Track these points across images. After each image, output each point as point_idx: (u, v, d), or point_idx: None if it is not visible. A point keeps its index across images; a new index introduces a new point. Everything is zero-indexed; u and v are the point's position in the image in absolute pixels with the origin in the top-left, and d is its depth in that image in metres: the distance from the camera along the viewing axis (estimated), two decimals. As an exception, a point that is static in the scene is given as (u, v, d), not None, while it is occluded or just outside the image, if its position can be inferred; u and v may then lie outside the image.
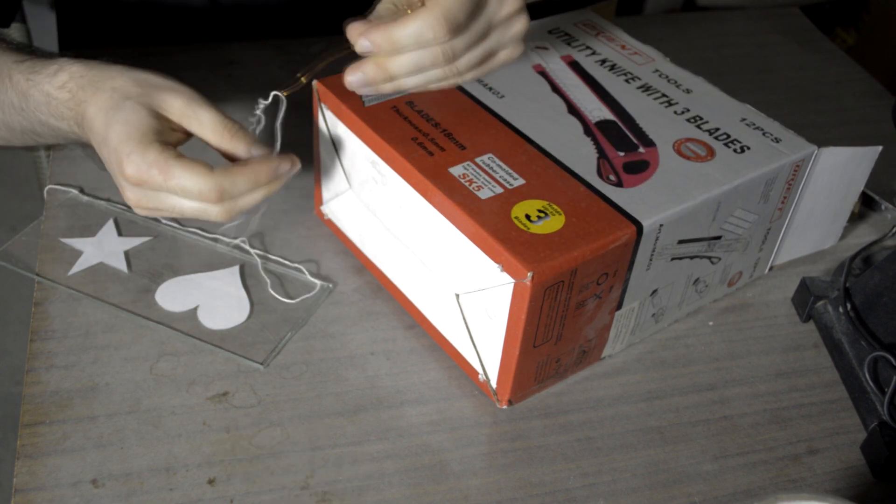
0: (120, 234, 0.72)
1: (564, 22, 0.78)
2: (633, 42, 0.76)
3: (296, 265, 0.70)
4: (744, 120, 0.68)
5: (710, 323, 0.70)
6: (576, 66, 0.72)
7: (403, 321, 0.67)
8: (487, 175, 0.60)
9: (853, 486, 0.59)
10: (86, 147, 0.65)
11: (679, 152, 0.64)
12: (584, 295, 0.58)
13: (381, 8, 0.59)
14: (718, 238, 0.65)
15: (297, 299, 0.68)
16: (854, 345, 0.66)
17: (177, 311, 0.66)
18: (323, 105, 0.68)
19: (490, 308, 0.58)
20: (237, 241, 0.71)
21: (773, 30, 1.10)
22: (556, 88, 0.70)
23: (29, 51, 0.64)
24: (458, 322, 0.62)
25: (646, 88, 0.70)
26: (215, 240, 0.72)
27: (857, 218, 0.80)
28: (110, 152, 0.56)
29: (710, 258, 0.66)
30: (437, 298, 0.64)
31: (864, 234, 0.79)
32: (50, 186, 0.75)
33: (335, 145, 0.69)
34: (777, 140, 0.66)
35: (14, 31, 0.97)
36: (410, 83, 0.60)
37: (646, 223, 0.58)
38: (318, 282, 0.69)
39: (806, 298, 0.70)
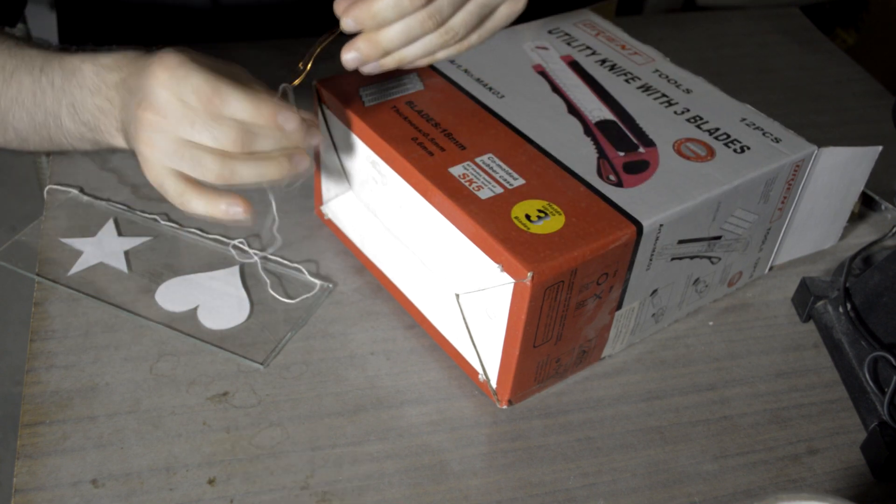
0: (120, 234, 0.72)
1: (564, 22, 0.79)
2: (633, 42, 0.76)
3: (296, 265, 0.70)
4: (744, 120, 0.68)
5: (710, 323, 0.70)
6: (576, 66, 0.73)
7: (403, 321, 0.67)
8: (487, 175, 0.60)
9: (853, 486, 0.59)
10: (95, 148, 0.65)
11: (679, 152, 0.64)
12: (584, 295, 0.58)
13: None
14: (718, 238, 0.65)
15: (297, 299, 0.68)
16: (854, 345, 0.66)
17: (177, 311, 0.66)
18: (323, 105, 0.68)
19: (490, 308, 0.58)
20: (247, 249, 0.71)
21: (773, 30, 1.10)
22: (556, 88, 0.70)
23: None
24: (458, 322, 0.62)
25: (646, 88, 0.70)
26: (215, 240, 0.72)
27: (857, 218, 0.80)
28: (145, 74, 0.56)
29: (710, 258, 0.66)
30: (437, 298, 0.64)
31: (864, 234, 0.79)
32: (50, 186, 0.76)
33: (335, 145, 0.69)
34: (777, 140, 0.66)
35: (14, 32, 0.97)
36: (410, 54, 0.59)
37: (646, 223, 0.58)
38: (318, 282, 0.69)
39: (806, 298, 0.70)
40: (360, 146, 0.65)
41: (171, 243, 0.72)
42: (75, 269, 0.69)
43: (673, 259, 0.62)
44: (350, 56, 0.58)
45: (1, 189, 1.85)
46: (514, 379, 0.59)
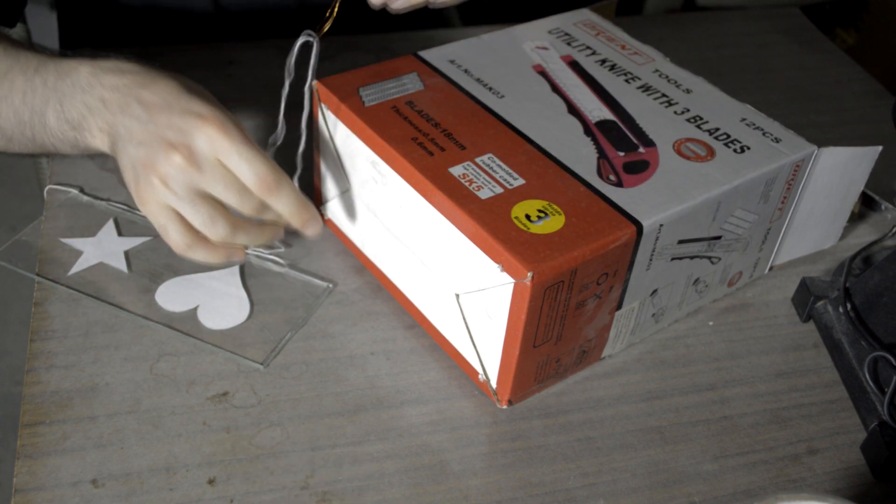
0: (120, 234, 0.72)
1: (564, 22, 0.79)
2: (633, 42, 0.76)
3: (296, 265, 0.70)
4: (744, 120, 0.68)
5: (710, 323, 0.70)
6: (576, 66, 0.73)
7: (403, 321, 0.67)
8: (487, 175, 0.60)
9: (853, 486, 0.59)
10: (82, 153, 0.65)
11: (679, 152, 0.64)
12: (584, 295, 0.58)
13: None
14: (718, 238, 0.65)
15: (297, 299, 0.68)
16: (854, 345, 0.66)
17: (177, 311, 0.66)
18: (323, 105, 0.68)
19: (490, 308, 0.58)
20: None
21: (773, 30, 1.10)
22: (556, 88, 0.70)
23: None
24: (458, 322, 0.62)
25: (646, 88, 0.70)
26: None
27: (857, 218, 0.80)
28: (187, 104, 0.57)
29: (710, 258, 0.66)
30: (437, 298, 0.64)
31: (864, 234, 0.79)
32: (50, 186, 0.76)
33: (335, 145, 0.69)
34: (777, 140, 0.66)
35: (14, 32, 0.97)
36: None
37: (646, 223, 0.58)
38: (318, 282, 0.69)
39: (806, 298, 0.70)
40: (360, 146, 0.65)
41: (171, 243, 0.72)
42: (75, 269, 0.69)
43: (673, 259, 0.62)
44: None
45: (1, 189, 1.85)
46: (514, 379, 0.59)
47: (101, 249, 0.70)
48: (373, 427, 0.60)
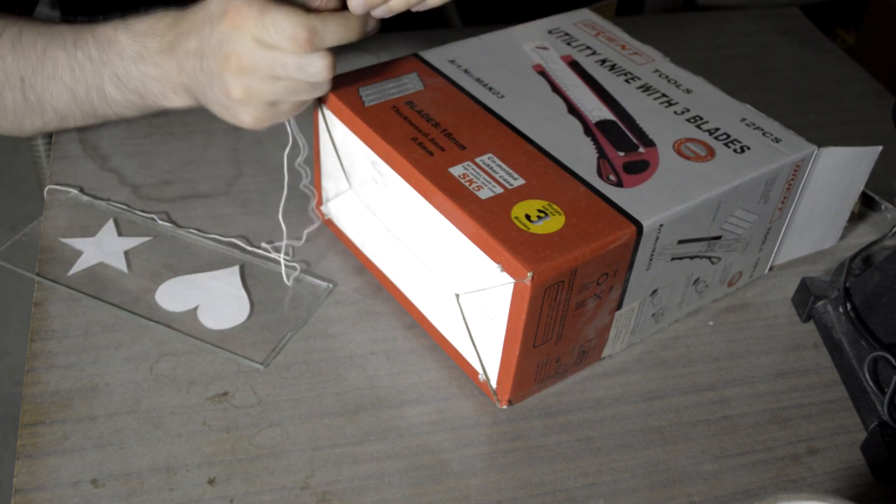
0: (120, 234, 0.72)
1: (564, 22, 0.79)
2: (633, 42, 0.76)
3: (296, 265, 0.70)
4: (744, 120, 0.68)
5: (710, 323, 0.70)
6: (576, 66, 0.72)
7: (403, 321, 0.67)
8: (487, 175, 0.60)
9: (853, 486, 0.59)
10: (142, 114, 0.67)
11: (679, 152, 0.64)
12: (584, 295, 0.58)
13: None
14: (718, 238, 0.65)
15: (297, 299, 0.68)
16: (854, 345, 0.66)
17: (177, 311, 0.66)
18: (323, 105, 0.68)
19: (490, 308, 0.58)
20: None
21: (773, 30, 1.10)
22: (556, 88, 0.70)
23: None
24: (458, 322, 0.62)
25: (646, 88, 0.70)
26: (215, 240, 0.72)
27: (857, 218, 0.80)
28: (216, 16, 0.57)
29: (710, 258, 0.66)
30: (437, 298, 0.64)
31: (864, 234, 0.79)
32: (50, 186, 0.76)
33: (335, 145, 0.69)
34: (777, 140, 0.66)
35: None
36: None
37: (646, 223, 0.58)
38: (318, 282, 0.69)
39: (806, 298, 0.70)
40: (360, 146, 0.65)
41: (171, 243, 0.72)
42: (75, 269, 0.69)
43: (673, 259, 0.62)
44: (356, 3, 0.59)
45: (1, 189, 1.85)
46: (514, 379, 0.59)
47: (101, 249, 0.70)
48: (373, 427, 0.60)
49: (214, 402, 0.61)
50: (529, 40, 0.75)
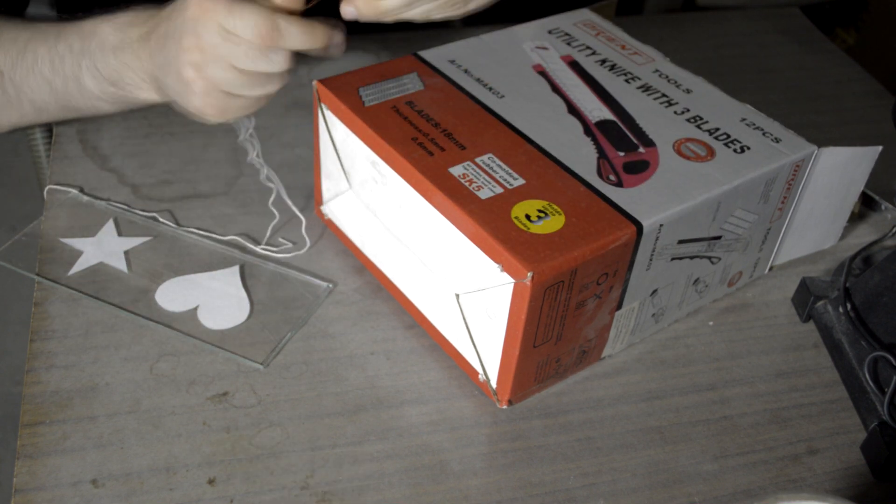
0: (120, 234, 0.72)
1: (564, 22, 0.79)
2: (633, 42, 0.76)
3: (296, 265, 0.70)
4: (744, 120, 0.68)
5: (710, 323, 0.70)
6: (576, 66, 0.72)
7: (403, 321, 0.67)
8: (487, 175, 0.60)
9: (853, 486, 0.59)
10: (126, 107, 0.67)
11: (679, 152, 0.64)
12: (584, 295, 0.58)
13: None
14: (718, 238, 0.65)
15: (297, 299, 0.68)
16: (854, 345, 0.66)
17: (177, 311, 0.66)
18: (323, 105, 0.68)
19: (490, 308, 0.58)
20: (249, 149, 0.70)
21: (773, 30, 1.10)
22: (556, 88, 0.70)
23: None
24: (458, 322, 0.62)
25: (646, 88, 0.70)
26: (215, 240, 0.72)
27: (857, 218, 0.80)
28: (189, 5, 0.57)
29: (710, 258, 0.66)
30: (437, 298, 0.64)
31: (864, 234, 0.79)
32: (50, 186, 0.75)
33: (335, 145, 0.69)
34: (777, 140, 0.66)
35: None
36: (407, 16, 0.60)
37: (646, 223, 0.58)
38: (318, 282, 0.69)
39: (806, 298, 0.70)
40: (360, 146, 0.65)
41: (171, 243, 0.72)
42: (75, 269, 0.69)
43: (673, 259, 0.62)
44: (348, 10, 0.59)
45: (1, 189, 1.85)
46: (514, 379, 0.59)
47: (101, 249, 0.70)
48: (373, 427, 0.60)
49: (214, 402, 0.61)
50: (529, 40, 0.75)
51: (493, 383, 0.61)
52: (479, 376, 0.61)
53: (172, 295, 0.67)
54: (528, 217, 0.57)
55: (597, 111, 0.67)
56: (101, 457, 0.57)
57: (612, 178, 0.61)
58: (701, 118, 0.67)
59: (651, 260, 0.60)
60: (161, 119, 0.84)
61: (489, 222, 0.56)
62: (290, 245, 0.72)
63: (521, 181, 0.60)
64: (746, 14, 1.14)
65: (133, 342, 0.64)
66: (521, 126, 0.65)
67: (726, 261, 0.68)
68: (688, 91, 0.70)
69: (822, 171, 0.67)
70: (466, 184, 0.59)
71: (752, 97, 0.71)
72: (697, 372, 0.66)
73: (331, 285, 0.69)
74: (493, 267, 0.56)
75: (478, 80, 0.69)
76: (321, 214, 0.74)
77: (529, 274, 0.53)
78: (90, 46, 0.63)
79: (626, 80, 0.71)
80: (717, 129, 0.66)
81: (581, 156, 0.63)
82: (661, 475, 0.59)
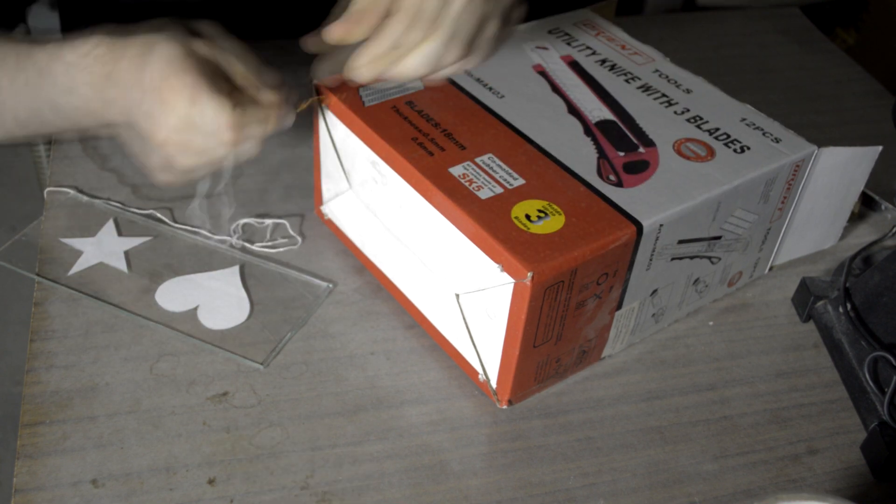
0: (120, 234, 0.72)
1: (564, 22, 0.79)
2: (633, 42, 0.76)
3: (295, 265, 0.70)
4: (744, 120, 0.68)
5: (710, 323, 0.70)
6: (576, 66, 0.73)
7: (403, 321, 0.67)
8: (487, 175, 0.60)
9: (853, 486, 0.59)
10: (84, 138, 0.66)
11: (679, 152, 0.64)
12: (584, 295, 0.58)
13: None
14: (718, 238, 0.65)
15: (297, 299, 0.68)
16: (854, 345, 0.66)
17: (177, 311, 0.66)
18: (323, 105, 0.68)
19: (490, 308, 0.58)
20: (232, 241, 0.71)
21: (773, 30, 1.10)
22: (556, 88, 0.70)
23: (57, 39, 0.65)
24: (458, 322, 0.62)
25: (646, 88, 0.70)
26: (215, 240, 0.72)
27: (857, 218, 0.80)
28: (149, 87, 0.57)
29: (710, 258, 0.66)
30: (437, 298, 0.64)
31: (864, 234, 0.79)
32: (50, 187, 0.75)
33: (335, 145, 0.69)
34: (777, 140, 0.66)
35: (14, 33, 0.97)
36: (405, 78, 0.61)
37: (646, 223, 0.58)
38: (318, 282, 0.69)
39: (806, 298, 0.70)
40: (360, 146, 0.65)
41: (171, 243, 0.72)
42: (75, 269, 0.69)
43: (673, 259, 0.62)
44: (353, 75, 0.60)
45: (1, 189, 1.85)
46: (514, 379, 0.59)
47: (101, 249, 0.70)
48: (373, 427, 0.60)
49: (214, 402, 0.61)
50: (529, 40, 0.75)
51: (493, 383, 0.61)
52: (479, 376, 0.61)
53: (172, 295, 0.67)
54: (528, 217, 0.57)
55: (597, 111, 0.67)
56: (101, 457, 0.57)
57: (612, 178, 0.61)
58: (701, 118, 0.67)
59: (651, 260, 0.60)
60: (161, 119, 0.83)
61: (489, 222, 0.56)
62: (290, 245, 0.72)
63: (521, 181, 0.60)
64: (746, 14, 1.14)
65: (133, 342, 0.64)
66: (521, 126, 0.65)
67: (726, 261, 0.68)
68: (688, 91, 0.71)
69: (822, 171, 0.67)
70: (466, 184, 0.59)
71: (752, 97, 0.71)
72: (697, 372, 0.66)
73: (331, 285, 0.69)
74: (493, 267, 0.56)
75: (478, 80, 0.69)
76: (321, 214, 0.74)
77: (529, 274, 0.53)
78: (45, 85, 0.61)
79: (626, 80, 0.71)
80: (717, 129, 0.66)
81: (581, 156, 0.63)
82: (661, 475, 0.59)
